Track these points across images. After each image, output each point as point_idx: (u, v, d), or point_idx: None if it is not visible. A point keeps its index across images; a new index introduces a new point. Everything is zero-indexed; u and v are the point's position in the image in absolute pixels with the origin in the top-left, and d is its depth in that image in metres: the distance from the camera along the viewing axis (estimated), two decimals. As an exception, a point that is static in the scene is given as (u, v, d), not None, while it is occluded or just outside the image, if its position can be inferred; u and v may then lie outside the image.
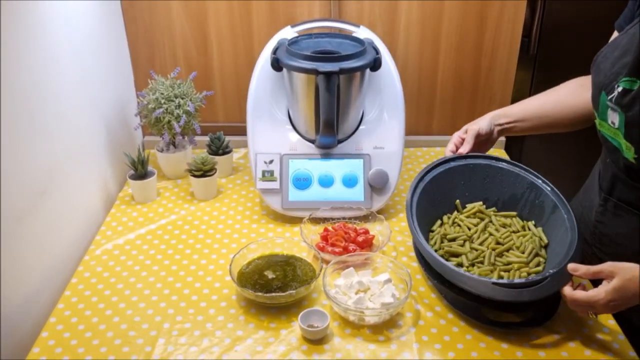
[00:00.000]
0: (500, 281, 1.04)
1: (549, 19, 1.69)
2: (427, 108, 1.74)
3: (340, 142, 1.43)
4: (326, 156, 1.43)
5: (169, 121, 1.48)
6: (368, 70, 1.37)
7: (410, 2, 1.58)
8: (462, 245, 1.19)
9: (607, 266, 0.97)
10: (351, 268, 1.18)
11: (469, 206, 1.27)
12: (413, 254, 1.30)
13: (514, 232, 1.21)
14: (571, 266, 1.02)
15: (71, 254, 1.29)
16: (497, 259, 1.15)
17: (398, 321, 1.12)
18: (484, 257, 1.16)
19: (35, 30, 1.14)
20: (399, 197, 1.51)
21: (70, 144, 1.30)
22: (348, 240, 1.29)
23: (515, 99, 1.71)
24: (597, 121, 1.10)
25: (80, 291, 1.20)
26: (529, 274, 1.12)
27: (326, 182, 1.41)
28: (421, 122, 1.76)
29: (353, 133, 1.45)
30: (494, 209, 1.27)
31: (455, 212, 1.27)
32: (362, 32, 1.49)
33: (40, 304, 1.16)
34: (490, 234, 1.21)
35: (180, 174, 1.58)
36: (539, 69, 1.75)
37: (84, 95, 1.37)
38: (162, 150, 1.57)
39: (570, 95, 1.23)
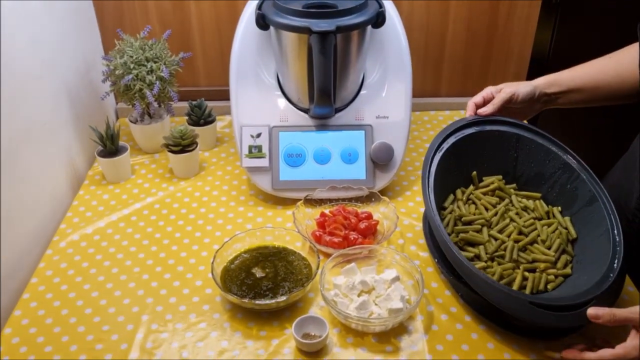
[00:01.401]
0: (538, 300, 0.87)
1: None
2: (435, 67, 1.54)
3: (337, 111, 1.25)
4: (322, 128, 1.24)
5: (141, 89, 1.29)
6: (370, 27, 1.17)
7: (417, -57, 1.37)
8: (479, 232, 1.03)
9: (637, 314, 0.80)
10: (353, 264, 1.02)
11: (486, 180, 1.11)
12: (422, 241, 1.13)
13: (537, 218, 1.05)
14: (591, 313, 0.83)
15: (32, 249, 1.13)
16: (520, 253, 0.99)
17: (408, 326, 0.96)
18: (504, 249, 1.00)
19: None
20: (404, 171, 1.34)
21: (25, 121, 1.11)
22: (348, 228, 1.12)
23: (534, 56, 1.52)
24: None
25: (41, 294, 1.04)
26: (556, 276, 0.96)
27: (322, 157, 1.23)
28: (428, 83, 1.56)
29: (352, 100, 1.27)
30: (514, 185, 1.11)
31: (471, 186, 1.11)
32: (362, -19, 1.28)
33: (-7, 312, 1.00)
34: (512, 220, 1.05)
35: (157, 147, 1.40)
36: (562, 19, 1.55)
37: (37, 60, 1.17)
38: (135, 121, 1.38)
39: (634, 62, 1.02)
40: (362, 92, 1.28)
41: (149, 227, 1.19)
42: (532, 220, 1.05)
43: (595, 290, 0.87)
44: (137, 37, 1.32)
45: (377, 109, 1.26)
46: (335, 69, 1.16)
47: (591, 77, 1.06)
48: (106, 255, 1.12)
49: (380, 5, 1.18)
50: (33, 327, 0.97)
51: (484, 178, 1.12)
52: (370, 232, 1.13)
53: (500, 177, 1.11)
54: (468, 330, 0.96)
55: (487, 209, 1.07)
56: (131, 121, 1.39)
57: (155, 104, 1.34)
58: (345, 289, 0.99)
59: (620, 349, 0.81)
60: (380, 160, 1.22)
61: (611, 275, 0.88)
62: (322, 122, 1.25)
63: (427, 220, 1.09)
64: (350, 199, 1.21)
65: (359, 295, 0.98)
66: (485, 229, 1.04)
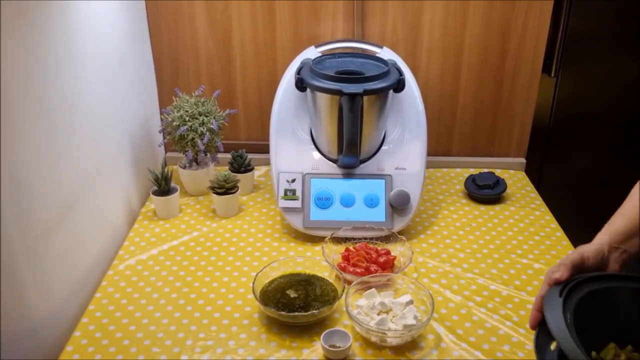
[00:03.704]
0: None
1: (571, 40, 1.69)
2: (448, 129, 1.74)
3: (362, 162, 1.44)
4: (348, 176, 1.44)
5: (193, 139, 1.50)
6: (391, 91, 1.38)
7: (432, 24, 1.60)
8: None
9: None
10: (373, 289, 1.19)
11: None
12: (434, 275, 1.30)
13: None
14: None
15: (96, 269, 1.31)
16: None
17: (420, 343, 1.12)
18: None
19: (64, 48, 1.16)
20: (419, 217, 1.51)
21: (98, 159, 1.32)
22: (369, 261, 1.29)
23: (536, 122, 1.72)
24: None
25: (104, 306, 1.21)
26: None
27: (348, 201, 1.41)
28: (441, 143, 1.76)
29: (375, 153, 1.46)
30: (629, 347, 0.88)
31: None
32: (386, 53, 1.50)
33: (66, 318, 1.17)
34: None
35: (202, 190, 1.60)
36: (561, 90, 1.76)
37: (111, 111, 1.39)
38: (184, 167, 1.59)
39: None
40: (384, 147, 1.47)
41: (195, 255, 1.37)
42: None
43: None
44: (192, 94, 1.54)
45: (396, 162, 1.44)
46: (361, 125, 1.36)
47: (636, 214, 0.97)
48: (159, 277, 1.30)
49: (401, 74, 1.39)
50: (98, 332, 1.14)
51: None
52: (388, 266, 1.30)
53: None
54: (472, 348, 1.11)
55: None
56: (181, 167, 1.59)
57: (203, 154, 1.55)
58: (366, 308, 1.15)
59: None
60: (398, 205, 1.40)
61: None
62: (349, 171, 1.44)
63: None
64: (371, 238, 1.38)
65: (378, 314, 1.14)
66: None
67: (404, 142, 1.46)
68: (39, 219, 1.07)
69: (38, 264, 1.07)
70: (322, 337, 1.08)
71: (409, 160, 1.45)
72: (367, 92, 1.31)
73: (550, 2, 1.57)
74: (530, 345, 1.10)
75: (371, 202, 1.41)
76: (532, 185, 1.68)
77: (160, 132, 1.57)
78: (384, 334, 1.08)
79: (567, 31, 1.67)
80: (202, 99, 1.54)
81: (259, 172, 1.71)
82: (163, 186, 1.48)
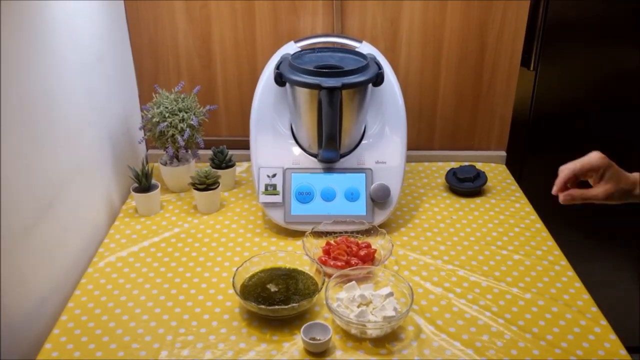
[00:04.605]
0: None
1: (550, 33, 1.70)
2: (428, 123, 1.75)
3: (342, 156, 1.44)
4: (328, 170, 1.44)
5: (173, 135, 1.49)
6: (370, 85, 1.39)
7: (412, 18, 1.60)
8: None
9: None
10: (353, 282, 1.19)
11: None
12: (415, 267, 1.31)
13: None
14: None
15: (75, 266, 1.30)
16: None
17: (400, 334, 1.12)
18: None
19: (43, 45, 1.15)
20: (400, 211, 1.52)
21: (77, 156, 1.31)
22: (350, 254, 1.29)
23: (516, 115, 1.73)
24: None
25: (84, 303, 1.20)
26: None
27: (328, 196, 1.42)
28: (422, 137, 1.77)
29: (355, 147, 1.46)
30: None
31: None
32: (365, 48, 1.51)
33: (44, 315, 1.16)
34: None
35: (183, 187, 1.59)
36: (540, 83, 1.77)
37: (90, 108, 1.38)
38: (165, 164, 1.58)
39: None
40: (364, 141, 1.47)
41: (176, 252, 1.37)
42: None
43: None
44: (172, 91, 1.54)
45: (376, 156, 1.45)
46: (340, 119, 1.36)
47: None
48: (139, 274, 1.29)
49: (380, 68, 1.40)
50: (78, 329, 1.14)
51: None
52: (369, 259, 1.30)
53: None
54: (452, 338, 1.12)
55: None
56: (162, 163, 1.58)
57: (184, 150, 1.55)
58: (346, 301, 1.15)
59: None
60: (379, 198, 1.41)
61: None
62: (329, 165, 1.44)
63: None
64: (352, 232, 1.38)
65: (358, 307, 1.14)
66: None
67: (384, 136, 1.47)
68: (17, 217, 1.06)
69: (17, 262, 1.06)
70: (302, 330, 1.09)
71: (389, 154, 1.45)
72: (345, 86, 1.32)
73: (527, -5, 1.58)
74: (509, 335, 1.11)
75: (352, 196, 1.42)
76: (512, 178, 1.70)
77: (140, 128, 1.57)
78: (364, 325, 1.09)
79: (545, 24, 1.68)
80: (182, 95, 1.54)
81: (240, 168, 1.71)
82: (144, 183, 1.48)
